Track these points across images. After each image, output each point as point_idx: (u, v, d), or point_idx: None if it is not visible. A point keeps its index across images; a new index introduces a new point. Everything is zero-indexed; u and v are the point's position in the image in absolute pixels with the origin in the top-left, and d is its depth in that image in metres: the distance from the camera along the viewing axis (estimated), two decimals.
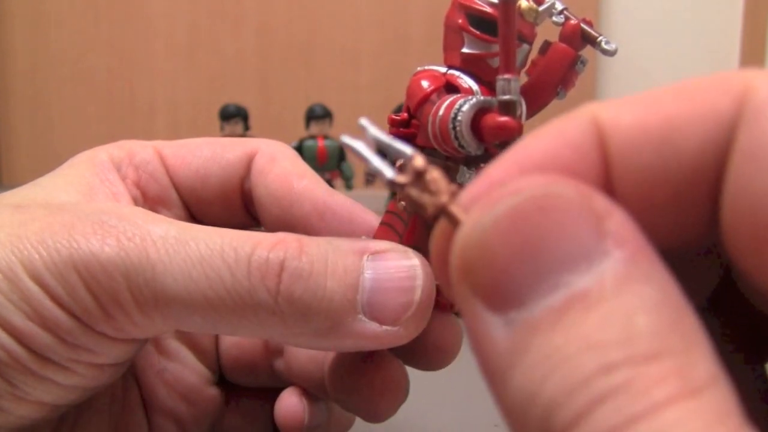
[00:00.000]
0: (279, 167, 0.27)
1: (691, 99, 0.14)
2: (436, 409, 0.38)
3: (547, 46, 0.24)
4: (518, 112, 0.21)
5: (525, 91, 0.24)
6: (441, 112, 0.22)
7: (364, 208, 0.27)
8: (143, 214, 0.22)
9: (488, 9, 0.23)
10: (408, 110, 0.24)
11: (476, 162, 0.24)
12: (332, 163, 0.91)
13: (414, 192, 0.15)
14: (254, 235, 0.22)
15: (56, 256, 0.20)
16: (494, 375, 0.13)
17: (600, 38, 0.23)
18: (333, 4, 1.42)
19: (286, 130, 1.02)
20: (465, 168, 0.24)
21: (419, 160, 0.15)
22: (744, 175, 0.13)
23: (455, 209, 0.14)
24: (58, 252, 0.20)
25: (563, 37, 0.23)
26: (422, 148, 0.24)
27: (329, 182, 0.73)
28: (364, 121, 0.16)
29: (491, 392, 0.13)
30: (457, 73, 0.24)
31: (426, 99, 0.23)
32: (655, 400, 0.11)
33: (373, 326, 0.22)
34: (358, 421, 0.30)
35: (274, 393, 0.29)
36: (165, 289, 0.20)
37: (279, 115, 1.38)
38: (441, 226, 0.15)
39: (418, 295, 0.22)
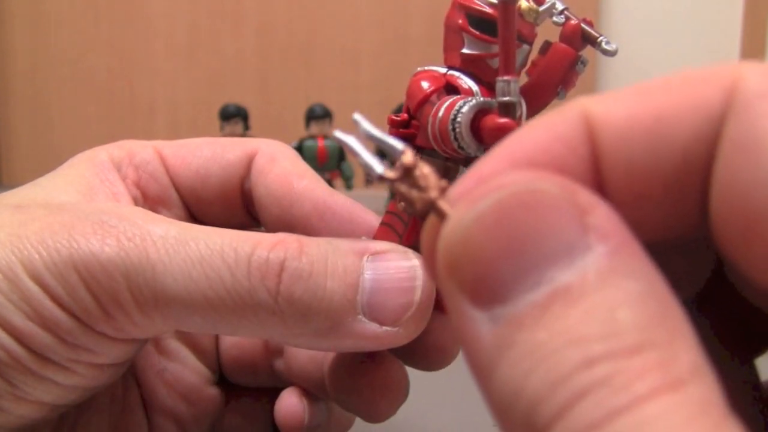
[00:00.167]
0: (279, 167, 0.27)
1: (680, 91, 0.14)
2: (436, 409, 0.38)
3: (547, 46, 0.24)
4: (518, 114, 0.21)
5: (525, 91, 0.24)
6: (441, 113, 0.22)
7: (364, 208, 0.27)
8: (143, 214, 0.22)
9: (488, 9, 0.23)
10: (408, 111, 0.24)
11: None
12: (332, 163, 0.91)
13: (403, 187, 0.15)
14: (254, 235, 0.22)
15: (56, 256, 0.20)
16: (480, 370, 0.13)
17: (600, 38, 0.23)
18: (333, 4, 1.42)
19: (286, 130, 1.02)
20: (465, 169, 0.24)
21: (408, 156, 0.15)
22: (732, 166, 0.13)
23: (444, 205, 0.14)
24: (58, 252, 0.20)
25: (563, 38, 0.23)
26: (422, 149, 0.24)
27: (329, 182, 0.73)
28: (357, 116, 0.16)
29: (478, 387, 0.13)
30: (457, 73, 0.24)
31: (426, 100, 0.23)
32: (637, 394, 0.11)
33: (373, 327, 0.22)
34: (358, 421, 0.30)
35: (274, 393, 0.29)
36: (165, 289, 0.20)
37: (279, 115, 1.38)
38: (430, 221, 0.15)
39: (418, 295, 0.22)
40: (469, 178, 0.15)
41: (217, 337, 0.31)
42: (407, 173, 0.15)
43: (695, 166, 0.13)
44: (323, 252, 0.22)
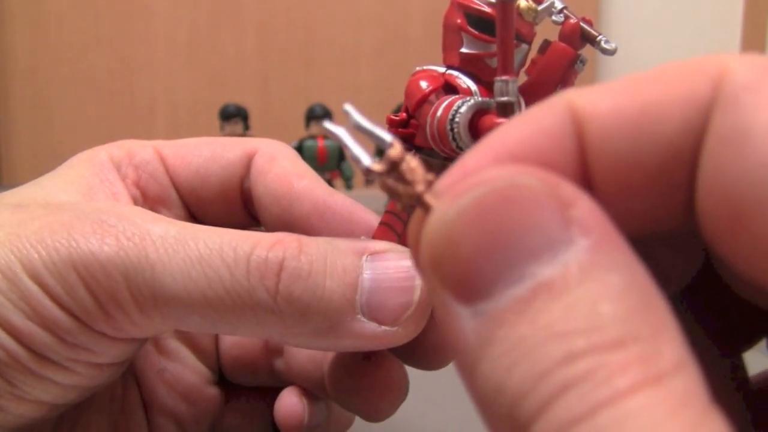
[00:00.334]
0: (279, 167, 0.27)
1: (667, 84, 0.14)
2: (436, 409, 0.38)
3: (546, 45, 0.24)
4: (516, 114, 0.21)
5: (524, 90, 0.24)
6: (439, 113, 0.22)
7: (364, 208, 0.27)
8: (142, 214, 0.22)
9: (487, 9, 0.23)
10: (407, 110, 0.24)
11: None
12: (332, 163, 0.91)
13: (390, 181, 0.15)
14: (253, 234, 0.22)
15: (55, 256, 0.20)
16: (464, 365, 0.13)
17: (599, 37, 0.23)
18: (333, 4, 1.43)
19: (286, 130, 1.02)
20: None
21: (395, 150, 0.15)
22: (718, 158, 0.13)
23: (430, 199, 0.14)
24: (57, 251, 0.20)
25: (563, 37, 0.23)
26: (421, 148, 0.24)
27: (329, 182, 0.73)
28: (348, 107, 0.16)
29: (463, 382, 0.13)
30: (455, 73, 0.24)
31: (424, 99, 0.23)
32: (619, 388, 0.11)
33: (372, 326, 0.22)
34: (358, 421, 0.30)
35: (274, 392, 0.29)
36: (164, 288, 0.20)
37: (279, 115, 1.38)
38: (417, 215, 0.15)
39: (417, 295, 0.22)
40: (454, 171, 0.15)
41: (217, 337, 0.31)
42: (394, 167, 0.15)
43: (682, 159, 0.13)
44: (322, 251, 0.22)
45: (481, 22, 0.23)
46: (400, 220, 0.25)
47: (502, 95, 0.21)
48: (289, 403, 0.28)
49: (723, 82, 0.13)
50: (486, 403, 0.12)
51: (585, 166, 0.14)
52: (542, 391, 0.11)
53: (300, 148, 0.88)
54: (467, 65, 0.24)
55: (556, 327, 0.11)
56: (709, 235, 0.13)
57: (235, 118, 0.93)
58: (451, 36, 0.24)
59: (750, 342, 0.18)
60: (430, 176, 0.15)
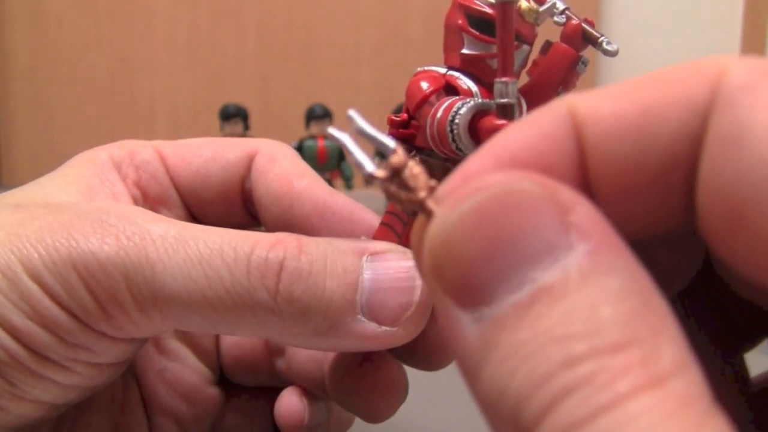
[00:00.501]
0: (279, 167, 0.27)
1: (666, 86, 0.14)
2: (436, 409, 0.38)
3: (548, 46, 0.24)
4: (516, 115, 0.21)
5: (526, 91, 0.24)
6: (439, 114, 0.22)
7: (364, 208, 0.27)
8: (143, 214, 0.22)
9: (488, 10, 0.23)
10: (408, 111, 0.24)
11: None
12: (332, 163, 0.91)
13: (392, 187, 0.15)
14: (253, 234, 0.22)
15: (55, 255, 0.20)
16: (467, 370, 0.13)
17: (601, 39, 0.23)
18: (333, 4, 1.43)
19: (286, 130, 1.02)
20: None
21: (397, 157, 0.15)
22: (717, 159, 0.13)
23: (432, 204, 0.14)
24: (57, 251, 0.20)
25: (564, 38, 0.23)
26: (422, 149, 0.24)
27: (329, 182, 0.73)
28: (352, 113, 0.16)
29: (467, 387, 0.13)
30: (456, 74, 0.24)
31: (425, 100, 0.23)
32: (619, 392, 0.11)
33: (372, 326, 0.22)
34: (358, 421, 0.30)
35: (274, 392, 0.29)
36: (164, 288, 0.20)
37: (279, 115, 1.38)
38: (419, 221, 0.15)
39: (417, 295, 0.22)
40: (456, 176, 0.15)
41: (217, 337, 0.31)
42: (396, 173, 0.15)
43: (681, 161, 0.14)
44: (322, 252, 0.22)
45: (482, 23, 0.23)
46: (401, 220, 0.25)
47: (502, 97, 0.21)
48: (290, 403, 0.28)
49: (721, 84, 0.13)
50: (490, 406, 0.12)
51: (586, 169, 0.14)
52: (544, 395, 0.11)
53: (300, 148, 0.88)
54: (468, 66, 0.24)
55: (556, 331, 0.12)
56: (710, 236, 0.13)
57: (235, 118, 0.93)
58: (452, 37, 0.24)
59: (751, 342, 0.18)
60: (432, 182, 0.15)
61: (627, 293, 0.12)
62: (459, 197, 0.13)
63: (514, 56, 0.21)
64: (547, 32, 0.24)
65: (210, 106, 1.17)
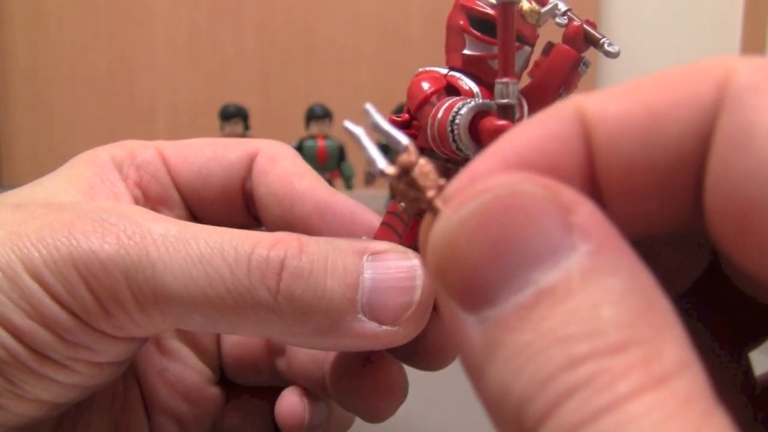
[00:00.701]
0: (280, 167, 0.27)
1: (673, 87, 0.14)
2: (436, 409, 0.38)
3: (549, 47, 0.24)
4: (517, 116, 0.21)
5: (528, 92, 0.24)
6: (440, 114, 0.22)
7: (365, 208, 0.27)
8: (143, 213, 0.22)
9: (489, 10, 0.23)
10: (409, 111, 0.24)
11: None
12: (332, 163, 0.91)
13: (402, 185, 0.15)
14: (254, 234, 0.22)
15: (56, 254, 0.20)
16: (472, 371, 0.13)
17: (603, 40, 0.23)
18: (333, 4, 1.43)
19: (286, 130, 1.02)
20: None
21: (407, 155, 0.15)
22: (725, 159, 0.13)
23: (440, 204, 0.14)
24: (57, 250, 0.20)
25: (566, 39, 0.23)
26: (423, 150, 0.24)
27: (329, 182, 0.73)
28: (368, 106, 0.16)
29: (472, 387, 0.13)
30: (457, 74, 0.24)
31: (426, 101, 0.23)
32: (620, 393, 0.11)
33: (372, 326, 0.22)
34: (358, 421, 0.30)
35: (274, 392, 0.29)
36: (165, 287, 0.20)
37: (279, 115, 1.38)
38: (427, 220, 0.15)
39: (417, 295, 0.22)
40: (463, 177, 0.15)
41: (218, 337, 0.31)
42: (405, 172, 0.15)
43: (689, 161, 0.14)
44: (323, 251, 0.22)
45: (483, 24, 0.23)
46: (401, 220, 0.25)
47: (503, 97, 0.21)
48: (290, 402, 0.28)
49: (728, 85, 0.13)
50: (494, 406, 0.12)
51: (593, 170, 0.14)
52: (547, 395, 0.11)
53: (300, 148, 0.88)
54: (469, 67, 0.24)
55: (558, 332, 0.12)
56: (718, 235, 0.14)
57: (235, 118, 0.93)
58: (453, 37, 0.24)
59: (756, 341, 0.18)
60: (441, 181, 0.15)
61: (629, 293, 0.12)
62: (462, 200, 0.13)
63: (516, 57, 0.21)
64: (549, 33, 0.24)
65: (210, 106, 1.17)
